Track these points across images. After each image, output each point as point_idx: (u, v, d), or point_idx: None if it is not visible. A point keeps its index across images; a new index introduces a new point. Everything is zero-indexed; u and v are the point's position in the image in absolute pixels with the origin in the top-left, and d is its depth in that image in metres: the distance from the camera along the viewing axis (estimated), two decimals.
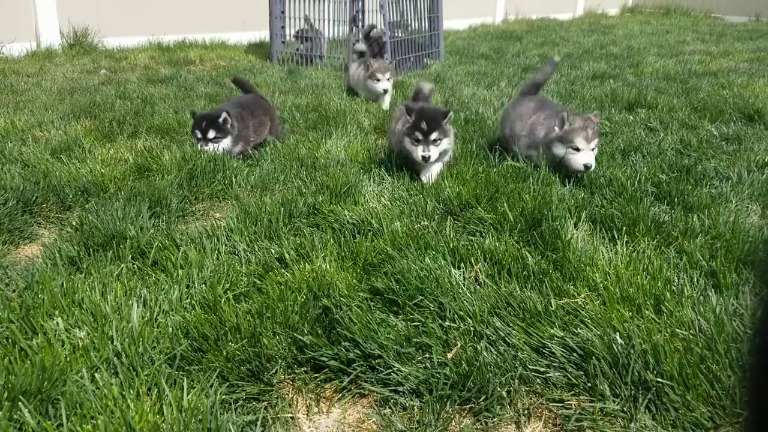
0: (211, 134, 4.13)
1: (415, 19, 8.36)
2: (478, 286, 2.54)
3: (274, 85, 6.64)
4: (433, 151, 3.66)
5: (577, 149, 3.60)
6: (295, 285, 2.47)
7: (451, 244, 2.83)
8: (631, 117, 5.29)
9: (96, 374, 1.94)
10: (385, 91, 5.88)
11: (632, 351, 2.02)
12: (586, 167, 3.58)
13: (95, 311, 2.26)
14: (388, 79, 5.91)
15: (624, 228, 2.99)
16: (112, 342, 2.09)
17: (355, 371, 2.07)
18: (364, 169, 3.98)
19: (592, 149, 3.61)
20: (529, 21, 14.59)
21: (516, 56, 9.08)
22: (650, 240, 2.90)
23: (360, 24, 8.04)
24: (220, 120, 4.15)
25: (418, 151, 3.67)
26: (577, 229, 3.07)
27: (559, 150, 3.68)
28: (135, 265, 2.68)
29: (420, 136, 3.66)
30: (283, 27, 8.23)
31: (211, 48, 9.09)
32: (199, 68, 7.67)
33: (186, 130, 4.77)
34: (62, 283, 2.46)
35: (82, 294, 2.37)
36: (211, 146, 4.12)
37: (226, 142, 4.18)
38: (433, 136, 3.66)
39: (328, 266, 2.64)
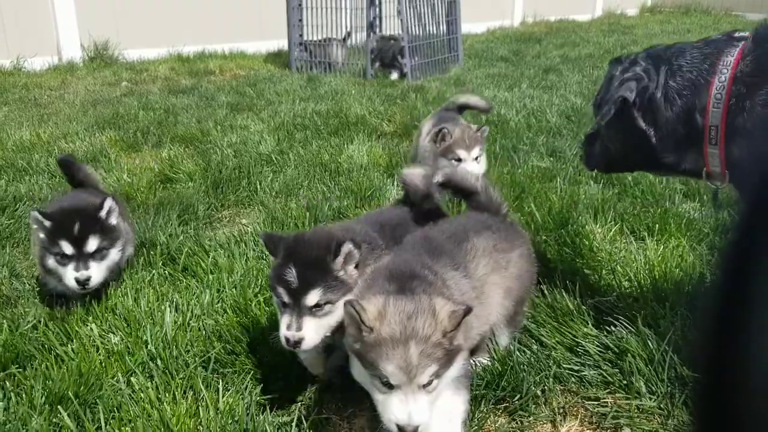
0: (93, 245, 2.37)
1: (433, 23, 8.34)
2: None
3: (294, 92, 6.67)
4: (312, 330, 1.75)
5: None
6: None
7: None
8: None
9: (132, 378, 1.96)
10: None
11: (668, 347, 1.99)
12: None
13: (128, 317, 2.29)
14: (477, 159, 3.42)
15: (657, 226, 2.96)
16: (147, 346, 2.11)
17: None
18: (387, 172, 3.98)
19: None
20: (547, 23, 14.53)
21: (536, 58, 9.05)
22: (681, 237, 2.87)
23: (377, 30, 8.05)
24: (103, 214, 2.44)
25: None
26: (606, 228, 3.04)
27: None
28: (166, 271, 2.70)
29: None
30: (300, 35, 8.27)
31: (231, 58, 9.17)
32: (219, 78, 7.74)
33: (210, 138, 4.81)
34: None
35: (115, 300, 2.40)
36: (94, 269, 2.36)
37: (114, 253, 2.48)
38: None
39: None
